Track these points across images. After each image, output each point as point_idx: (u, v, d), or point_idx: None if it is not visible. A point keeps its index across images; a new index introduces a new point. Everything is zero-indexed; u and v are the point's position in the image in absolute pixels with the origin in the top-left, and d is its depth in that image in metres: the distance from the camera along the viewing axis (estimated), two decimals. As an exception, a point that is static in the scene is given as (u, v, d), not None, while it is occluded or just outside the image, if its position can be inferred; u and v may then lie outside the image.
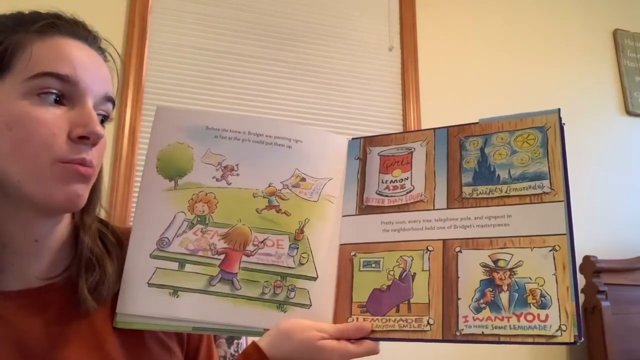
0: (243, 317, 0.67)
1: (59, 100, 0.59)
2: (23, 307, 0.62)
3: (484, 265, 0.64)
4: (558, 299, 0.60)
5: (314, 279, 0.69)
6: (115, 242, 0.71)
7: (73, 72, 0.59)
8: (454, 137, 0.72)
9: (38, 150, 0.57)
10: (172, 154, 0.72)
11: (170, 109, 0.75)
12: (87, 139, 0.60)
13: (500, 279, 0.63)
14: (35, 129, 0.57)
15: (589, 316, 2.08)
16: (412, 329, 0.65)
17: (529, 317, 0.61)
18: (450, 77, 2.36)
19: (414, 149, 0.74)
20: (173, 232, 0.70)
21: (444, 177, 0.71)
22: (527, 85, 2.44)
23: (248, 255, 0.69)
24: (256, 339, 0.66)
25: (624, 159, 2.51)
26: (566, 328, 0.59)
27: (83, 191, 0.60)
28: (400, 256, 0.69)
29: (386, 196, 0.73)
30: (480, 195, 0.68)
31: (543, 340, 0.59)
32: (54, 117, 0.58)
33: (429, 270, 0.67)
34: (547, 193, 0.65)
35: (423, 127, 2.20)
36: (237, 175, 0.72)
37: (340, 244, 0.72)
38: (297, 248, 0.70)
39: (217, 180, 0.72)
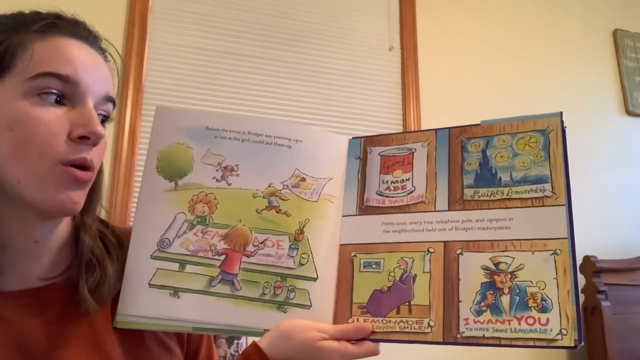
0: (243, 317, 0.67)
1: (60, 101, 0.59)
2: (23, 307, 0.62)
3: (485, 268, 0.64)
4: (559, 303, 0.60)
5: (314, 279, 0.69)
6: (116, 242, 0.70)
7: (74, 72, 0.59)
8: (456, 138, 0.72)
9: (38, 151, 0.57)
10: (172, 155, 0.72)
11: (170, 109, 0.75)
12: (88, 139, 0.60)
13: (502, 282, 0.63)
14: (36, 129, 0.57)
15: (589, 316, 2.08)
16: (413, 330, 0.65)
17: (530, 321, 0.61)
18: (450, 77, 2.36)
19: (415, 149, 0.74)
20: (173, 232, 0.69)
21: (445, 179, 0.71)
22: (527, 85, 2.44)
23: (248, 256, 0.69)
24: (256, 339, 0.66)
25: (624, 159, 2.51)
26: (567, 332, 0.59)
27: (79, 197, 0.60)
28: (401, 257, 0.69)
29: (387, 197, 0.73)
30: (481, 198, 0.68)
31: (543, 344, 0.59)
32: (54, 117, 0.58)
33: (430, 272, 0.67)
34: (549, 197, 0.65)
35: (423, 127, 2.21)
36: (237, 175, 0.72)
37: (341, 244, 0.72)
38: (297, 248, 0.70)
39: (217, 180, 0.71)
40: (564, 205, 0.64)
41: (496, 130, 0.71)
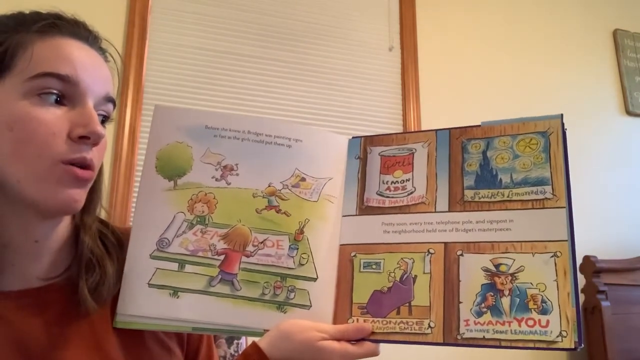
0: (243, 317, 0.67)
1: (60, 101, 0.59)
2: (23, 307, 0.62)
3: (486, 270, 0.64)
4: (559, 305, 0.60)
5: (314, 279, 0.69)
6: (116, 242, 0.70)
7: (74, 72, 0.59)
8: (456, 139, 0.72)
9: (38, 151, 0.57)
10: (171, 154, 0.72)
11: (169, 108, 0.75)
12: (88, 139, 0.60)
13: (502, 283, 0.63)
14: (36, 129, 0.57)
15: (589, 316, 2.08)
16: (413, 331, 0.65)
17: (530, 322, 0.61)
18: (450, 77, 2.36)
19: (415, 150, 0.74)
20: (173, 232, 0.69)
21: (445, 180, 0.71)
22: (527, 85, 2.44)
23: (248, 256, 0.69)
24: (256, 339, 0.66)
25: (624, 159, 2.51)
26: (567, 334, 0.59)
27: (80, 196, 0.60)
28: (401, 258, 0.68)
29: (387, 197, 0.73)
30: (482, 199, 0.68)
31: (544, 345, 0.59)
32: (54, 117, 0.58)
33: (430, 272, 0.67)
34: (549, 199, 0.65)
35: (423, 127, 2.21)
36: (237, 175, 0.72)
37: (340, 245, 0.72)
38: (297, 249, 0.70)
39: (216, 180, 0.71)
40: (564, 207, 0.64)
41: (497, 132, 0.71)
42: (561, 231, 0.63)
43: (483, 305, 0.63)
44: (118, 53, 0.70)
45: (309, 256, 0.70)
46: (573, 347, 0.58)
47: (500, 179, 0.68)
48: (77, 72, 0.60)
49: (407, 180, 0.73)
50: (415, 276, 0.67)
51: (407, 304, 0.66)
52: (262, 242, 0.70)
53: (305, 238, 0.71)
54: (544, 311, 0.61)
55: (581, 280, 2.12)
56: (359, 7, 2.32)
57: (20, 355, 0.59)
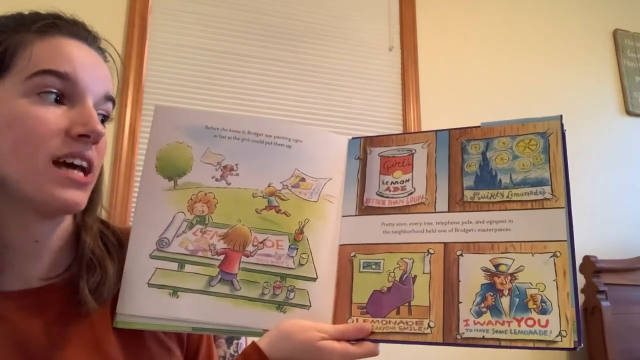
0: (243, 317, 0.67)
1: (59, 100, 0.60)
2: (23, 307, 0.62)
3: (485, 270, 0.64)
4: (558, 305, 0.60)
5: (314, 279, 0.69)
6: (116, 242, 0.71)
7: (73, 71, 0.60)
8: (456, 139, 0.72)
9: (36, 149, 0.57)
10: (171, 154, 0.72)
11: (169, 108, 0.75)
12: (88, 137, 0.60)
13: (501, 283, 0.63)
14: (35, 127, 0.57)
15: (589, 316, 2.08)
16: (413, 331, 0.65)
17: (530, 322, 0.61)
18: (450, 77, 2.36)
19: (415, 150, 0.74)
20: (172, 232, 0.69)
21: (445, 180, 0.71)
22: (527, 85, 2.44)
23: (248, 256, 0.69)
24: (256, 339, 0.66)
25: (624, 159, 2.51)
26: (566, 334, 0.59)
27: (80, 198, 0.60)
28: (401, 258, 0.68)
29: (387, 197, 0.73)
30: (481, 200, 0.68)
31: (543, 345, 0.59)
32: (53, 115, 0.58)
33: (430, 273, 0.67)
34: (549, 199, 0.65)
35: (423, 127, 2.21)
36: (237, 175, 0.72)
37: (340, 245, 0.72)
38: (297, 249, 0.70)
39: (216, 180, 0.71)
40: (563, 207, 0.64)
41: (496, 133, 0.71)
42: (560, 231, 0.63)
43: (483, 305, 0.63)
44: (117, 53, 0.70)
45: (308, 256, 0.70)
46: (572, 347, 0.58)
47: (500, 180, 0.68)
48: (77, 70, 0.60)
49: (406, 180, 0.73)
50: (415, 276, 0.67)
51: (407, 304, 0.66)
52: (261, 242, 0.70)
53: (305, 238, 0.71)
54: (543, 311, 0.61)
55: (581, 280, 2.12)
56: (359, 7, 2.32)
57: (20, 355, 0.60)
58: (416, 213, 0.70)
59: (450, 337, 0.63)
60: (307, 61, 2.19)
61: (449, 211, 0.69)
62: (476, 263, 0.65)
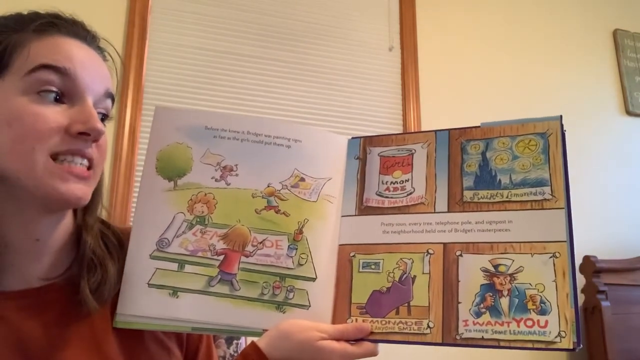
0: (242, 317, 0.67)
1: (59, 99, 0.60)
2: (23, 307, 0.62)
3: (485, 270, 0.64)
4: (558, 306, 0.60)
5: (313, 279, 0.69)
6: (117, 242, 0.71)
7: (72, 67, 0.60)
8: (455, 140, 0.72)
9: (35, 145, 0.57)
10: (171, 154, 0.72)
11: (169, 109, 0.75)
12: (88, 135, 0.60)
13: (501, 284, 0.63)
14: (34, 124, 0.57)
15: (589, 316, 2.08)
16: (412, 331, 0.65)
17: (529, 323, 0.61)
18: (450, 77, 2.36)
19: (415, 150, 0.74)
20: (172, 232, 0.70)
21: (445, 180, 0.71)
22: (527, 85, 2.44)
23: (247, 256, 0.69)
24: (255, 339, 0.66)
25: (624, 159, 2.51)
26: (565, 334, 0.59)
27: (83, 191, 0.60)
28: (401, 258, 0.68)
29: (386, 197, 0.73)
30: (481, 200, 0.68)
31: (542, 346, 0.59)
32: (53, 113, 0.58)
33: (430, 273, 0.67)
34: (548, 200, 0.65)
35: (423, 127, 2.21)
36: (236, 175, 0.72)
37: (340, 245, 0.72)
38: (296, 249, 0.70)
39: (216, 180, 0.71)
40: (563, 208, 0.64)
41: (496, 133, 0.71)
42: (560, 232, 0.63)
43: (482, 305, 0.63)
44: (117, 52, 0.71)
45: (308, 256, 0.70)
46: (572, 347, 0.58)
47: (500, 180, 0.68)
48: (76, 69, 0.60)
49: (406, 180, 0.73)
50: (415, 276, 0.67)
51: (406, 304, 0.66)
52: (261, 242, 0.70)
53: (305, 238, 0.71)
54: (542, 312, 0.61)
55: (581, 280, 2.12)
56: (359, 7, 2.32)
57: (20, 355, 0.60)
58: (416, 213, 0.70)
59: (450, 338, 0.63)
60: (307, 61, 2.19)
61: (448, 211, 0.69)
62: (475, 263, 0.65)
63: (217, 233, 0.70)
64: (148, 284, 0.67)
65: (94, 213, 0.69)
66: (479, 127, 0.72)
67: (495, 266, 0.64)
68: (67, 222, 0.66)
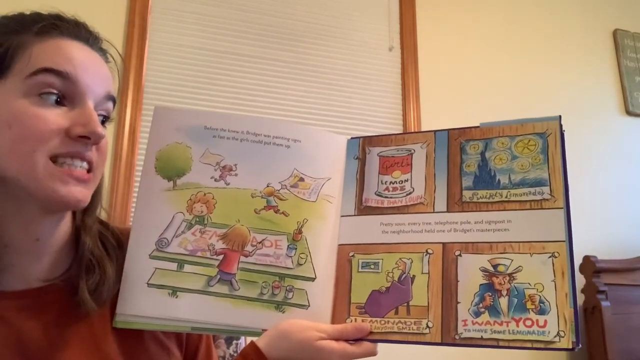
0: (241, 317, 0.67)
1: (60, 101, 0.59)
2: (23, 307, 0.62)
3: (484, 270, 0.64)
4: (557, 305, 0.60)
5: (312, 279, 0.69)
6: (115, 243, 0.71)
7: (73, 71, 0.60)
8: (455, 140, 0.72)
9: (35, 147, 0.57)
10: (170, 154, 0.72)
11: (168, 109, 0.75)
12: (88, 139, 0.60)
13: (500, 283, 0.63)
14: (34, 125, 0.57)
15: (589, 316, 2.08)
16: (411, 331, 0.65)
17: (528, 323, 0.61)
18: (450, 77, 2.36)
19: (414, 150, 0.74)
20: (172, 232, 0.70)
21: (444, 180, 0.71)
22: (527, 85, 2.44)
23: (246, 256, 0.69)
24: (255, 339, 0.66)
25: (624, 159, 2.51)
26: (564, 334, 0.59)
27: (82, 194, 0.60)
28: (400, 258, 0.69)
29: (385, 197, 0.73)
30: (480, 200, 0.68)
31: (541, 345, 0.59)
32: (54, 115, 0.58)
33: (429, 273, 0.67)
34: (547, 200, 0.65)
35: (423, 127, 2.21)
36: (236, 175, 0.72)
37: (339, 245, 0.72)
38: (296, 248, 0.70)
39: (215, 180, 0.72)
40: (562, 208, 0.64)
41: (495, 133, 0.71)
42: (559, 232, 0.63)
43: (481, 305, 0.63)
44: (119, 54, 0.70)
45: (307, 256, 0.70)
46: (571, 347, 0.58)
47: (499, 180, 0.68)
48: (77, 71, 0.60)
49: (405, 180, 0.73)
50: (414, 276, 0.67)
51: (405, 304, 0.66)
52: (260, 242, 0.70)
53: (304, 238, 0.71)
54: (541, 311, 0.61)
55: (581, 280, 2.12)
56: (359, 7, 2.31)
57: (20, 355, 0.60)
58: (415, 213, 0.70)
59: (449, 337, 0.63)
60: (307, 61, 2.19)
61: (447, 211, 0.69)
62: (475, 263, 0.65)
63: (217, 233, 0.70)
64: (147, 283, 0.67)
65: (93, 214, 0.69)
66: (478, 127, 0.72)
67: (495, 266, 0.64)
68: (66, 222, 0.66)
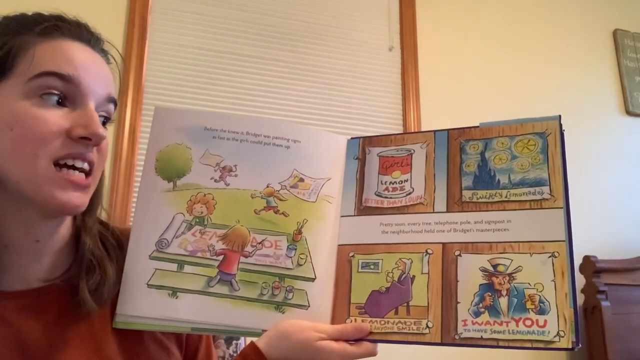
0: (241, 318, 0.67)
1: (61, 102, 0.59)
2: (23, 308, 0.62)
3: (484, 270, 0.64)
4: (557, 305, 0.60)
5: (312, 279, 0.69)
6: (115, 243, 0.71)
7: (75, 73, 0.60)
8: (454, 140, 0.72)
9: (36, 149, 0.57)
10: (170, 155, 0.72)
11: (169, 110, 0.75)
12: (89, 140, 0.60)
13: (500, 283, 0.63)
14: (35, 127, 0.57)
15: (589, 316, 2.08)
16: (411, 331, 0.65)
17: (528, 322, 0.61)
18: (450, 77, 2.36)
19: (414, 150, 0.74)
20: (172, 233, 0.70)
21: (443, 180, 0.71)
22: (527, 85, 2.44)
23: (246, 257, 0.69)
24: (254, 339, 0.66)
25: (624, 159, 2.51)
26: (564, 334, 0.59)
27: (81, 200, 0.60)
28: (400, 258, 0.69)
29: (385, 197, 0.73)
30: (480, 200, 0.68)
31: (541, 345, 0.59)
32: (55, 116, 0.58)
33: (429, 273, 0.67)
34: (547, 199, 0.65)
35: (423, 127, 2.21)
36: (236, 176, 0.72)
37: (339, 245, 0.72)
38: (295, 249, 0.70)
39: (215, 181, 0.72)
40: (562, 208, 0.64)
41: (495, 133, 0.71)
42: (559, 232, 0.63)
43: (481, 305, 0.63)
44: (120, 55, 0.70)
45: (307, 256, 0.70)
46: (570, 347, 0.58)
47: (498, 180, 0.68)
48: (79, 73, 0.60)
49: (405, 180, 0.73)
50: (414, 276, 0.67)
51: (405, 304, 0.66)
52: (260, 243, 0.70)
53: (304, 238, 0.71)
54: (541, 311, 0.61)
55: (581, 280, 2.12)
56: (359, 7, 2.32)
57: (20, 355, 0.60)
58: (415, 213, 0.70)
59: (449, 337, 0.63)
60: (307, 61, 2.19)
61: (447, 211, 0.69)
62: (474, 263, 0.65)
63: (217, 233, 0.70)
64: (147, 284, 0.67)
65: (93, 215, 0.69)
66: (477, 127, 0.72)
67: (494, 266, 0.64)
68: (67, 223, 0.66)
